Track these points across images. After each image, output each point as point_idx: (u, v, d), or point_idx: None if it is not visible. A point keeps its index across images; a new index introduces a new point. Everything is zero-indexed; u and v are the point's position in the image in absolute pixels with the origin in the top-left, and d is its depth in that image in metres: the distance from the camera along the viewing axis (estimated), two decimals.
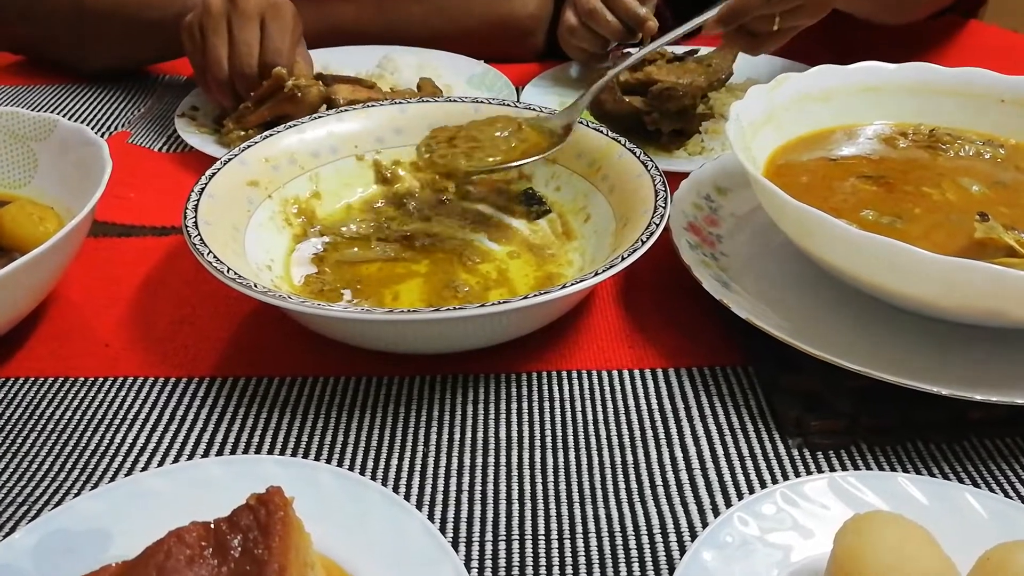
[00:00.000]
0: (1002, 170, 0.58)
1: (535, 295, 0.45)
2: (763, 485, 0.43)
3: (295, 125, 0.64)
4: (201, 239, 0.50)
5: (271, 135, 0.62)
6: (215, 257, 0.48)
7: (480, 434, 0.46)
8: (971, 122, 0.62)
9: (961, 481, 0.43)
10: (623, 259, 0.48)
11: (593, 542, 0.40)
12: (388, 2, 0.97)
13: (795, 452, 0.45)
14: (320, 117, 0.65)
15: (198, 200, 0.54)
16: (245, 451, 0.46)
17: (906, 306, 0.48)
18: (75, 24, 0.86)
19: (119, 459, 0.45)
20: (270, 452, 0.45)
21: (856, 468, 0.44)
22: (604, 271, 0.47)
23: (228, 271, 0.47)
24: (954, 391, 0.43)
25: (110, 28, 0.85)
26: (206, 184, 0.56)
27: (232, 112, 0.75)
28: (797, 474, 0.44)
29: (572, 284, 0.46)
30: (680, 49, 0.87)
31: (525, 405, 0.48)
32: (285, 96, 0.72)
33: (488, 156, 0.61)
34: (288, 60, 0.73)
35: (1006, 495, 0.42)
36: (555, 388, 0.50)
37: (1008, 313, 0.44)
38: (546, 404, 0.48)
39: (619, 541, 0.40)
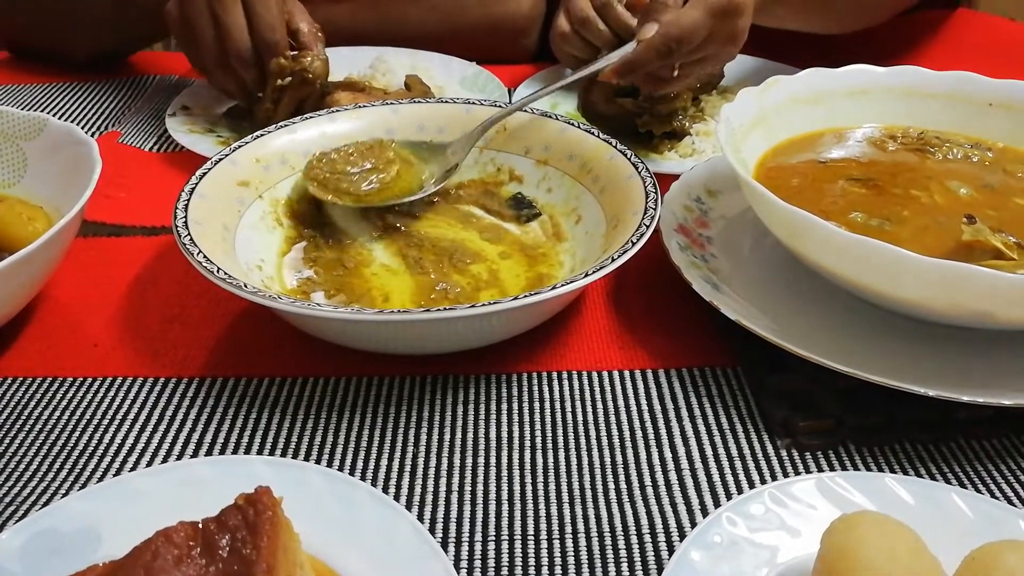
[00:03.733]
0: (990, 173, 0.58)
1: (525, 296, 0.46)
2: (751, 485, 0.43)
3: (286, 125, 0.64)
4: (191, 239, 0.50)
5: (262, 135, 0.62)
6: (205, 257, 0.48)
7: (470, 434, 0.46)
8: (960, 125, 0.63)
9: (948, 481, 0.43)
10: (613, 260, 0.48)
11: (582, 542, 0.40)
12: (383, 2, 0.97)
13: (783, 452, 0.45)
14: (312, 118, 0.65)
15: (188, 200, 0.54)
16: (234, 451, 0.45)
17: (894, 308, 0.48)
18: (62, 10, 0.86)
19: (107, 459, 0.45)
20: (259, 452, 0.45)
21: (843, 468, 0.44)
22: (594, 272, 0.47)
23: (218, 271, 0.47)
24: (941, 392, 0.43)
25: (97, 11, 0.84)
26: (196, 184, 0.56)
27: (243, 100, 0.75)
28: (785, 474, 0.44)
29: (562, 285, 0.46)
30: None
31: (515, 406, 0.48)
32: (295, 83, 0.71)
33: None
34: (281, 33, 0.71)
35: (992, 495, 0.43)
36: (545, 389, 0.50)
37: (995, 315, 0.44)
38: (536, 405, 0.48)
39: (608, 541, 0.40)
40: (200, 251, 0.49)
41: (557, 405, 0.48)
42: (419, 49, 0.92)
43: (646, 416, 0.48)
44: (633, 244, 0.50)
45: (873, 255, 0.43)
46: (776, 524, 0.38)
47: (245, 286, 0.46)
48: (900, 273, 0.43)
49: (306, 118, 0.65)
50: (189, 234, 0.50)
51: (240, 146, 0.61)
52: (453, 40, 0.94)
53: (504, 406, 0.48)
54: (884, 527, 0.34)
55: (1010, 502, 0.42)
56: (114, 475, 0.44)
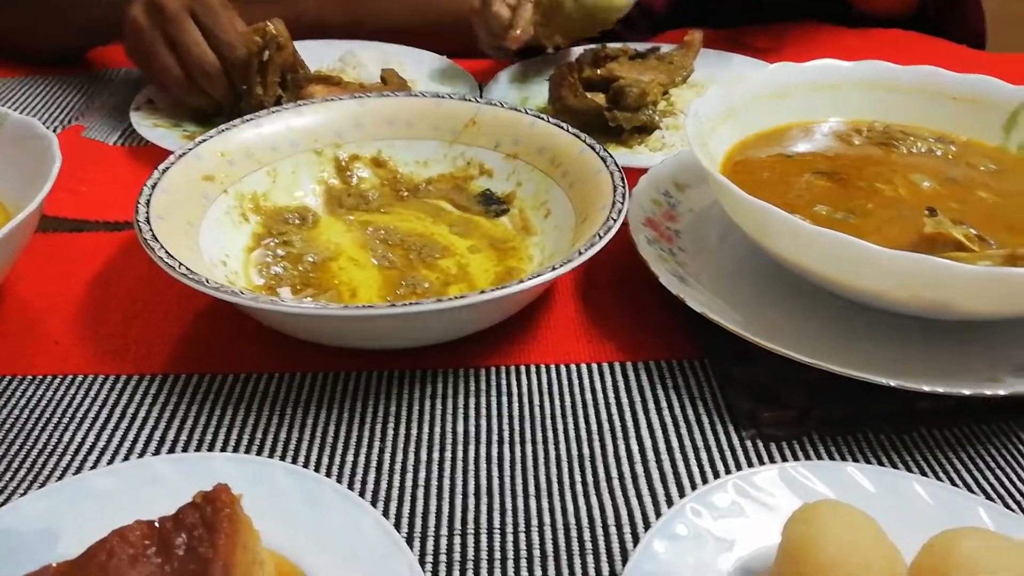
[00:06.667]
0: (953, 166, 0.59)
1: (491, 290, 0.45)
2: (717, 476, 0.43)
3: (252, 119, 0.63)
4: (152, 234, 0.49)
5: (226, 129, 0.61)
6: (166, 252, 0.47)
7: (437, 429, 0.46)
8: (924, 119, 0.63)
9: (910, 470, 0.44)
10: (580, 254, 0.48)
11: (548, 534, 0.40)
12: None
13: (748, 444, 0.45)
14: (278, 111, 0.65)
15: (150, 195, 0.53)
16: (197, 449, 0.45)
17: (858, 299, 0.48)
18: (25, 5, 0.84)
19: (67, 458, 0.44)
20: (223, 450, 0.45)
21: (808, 459, 0.45)
22: (561, 266, 0.47)
23: (180, 266, 0.46)
24: (903, 382, 0.44)
25: (64, 8, 0.83)
26: (159, 178, 0.55)
27: (221, 106, 0.74)
28: (750, 465, 0.44)
29: (528, 279, 0.46)
30: (643, 46, 0.87)
31: (483, 400, 0.48)
32: (272, 53, 0.72)
33: None
34: (239, 41, 0.72)
35: (952, 483, 0.43)
36: (513, 383, 0.49)
37: (955, 306, 0.44)
38: (504, 399, 0.48)
39: (574, 533, 0.40)
40: (161, 246, 0.48)
41: (525, 399, 0.48)
42: (390, 43, 0.91)
43: (613, 409, 0.48)
44: (600, 238, 0.50)
45: (835, 247, 0.44)
46: (739, 514, 0.38)
47: (207, 282, 0.45)
48: (861, 265, 0.44)
49: (272, 112, 0.64)
50: (151, 229, 0.49)
51: (204, 140, 0.60)
52: (424, 34, 0.93)
53: (472, 400, 0.48)
54: (844, 516, 0.34)
55: (970, 490, 0.43)
56: (74, 474, 0.43)
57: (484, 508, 0.41)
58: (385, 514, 0.41)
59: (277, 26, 0.73)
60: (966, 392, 0.44)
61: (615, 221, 0.51)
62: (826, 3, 0.98)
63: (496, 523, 0.41)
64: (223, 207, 0.58)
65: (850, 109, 0.64)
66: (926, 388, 0.44)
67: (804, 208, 0.53)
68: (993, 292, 0.43)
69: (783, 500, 0.38)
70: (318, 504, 0.39)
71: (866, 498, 0.38)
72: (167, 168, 0.56)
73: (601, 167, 0.58)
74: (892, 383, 0.44)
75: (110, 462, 0.44)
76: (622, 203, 0.53)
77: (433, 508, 0.41)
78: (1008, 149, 0.60)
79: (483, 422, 0.47)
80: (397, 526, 0.40)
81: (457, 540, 0.40)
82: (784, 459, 0.45)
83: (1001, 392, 0.44)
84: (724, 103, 0.60)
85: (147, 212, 0.51)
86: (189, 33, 0.70)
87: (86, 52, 0.93)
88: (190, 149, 0.59)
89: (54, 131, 0.73)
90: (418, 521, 0.41)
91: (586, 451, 0.45)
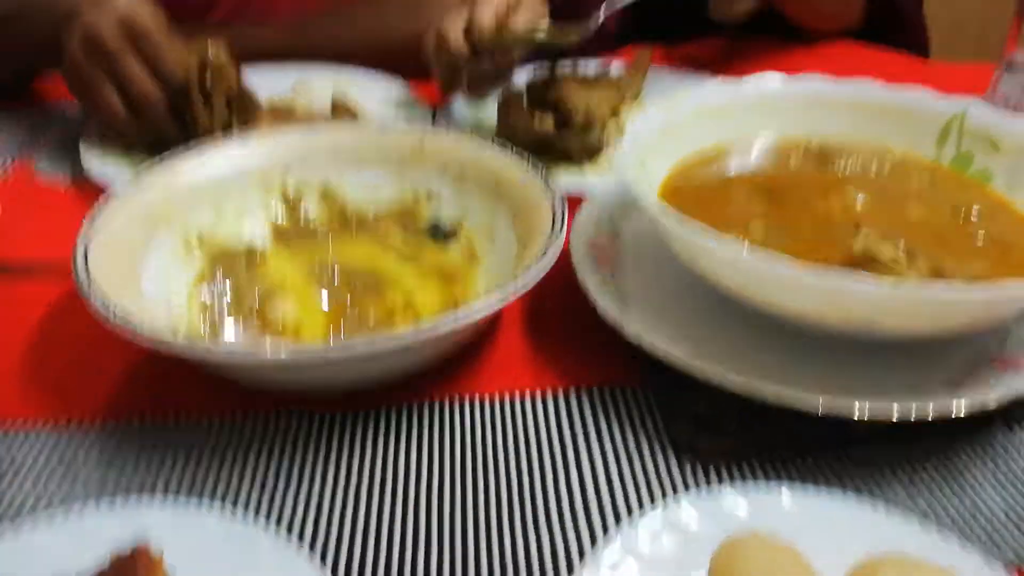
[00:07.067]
0: (887, 181, 0.60)
1: (421, 329, 0.45)
2: (655, 504, 0.44)
3: (195, 152, 0.63)
4: (88, 277, 0.49)
5: (169, 163, 0.61)
6: (101, 300, 0.47)
7: (379, 469, 0.46)
8: (861, 134, 0.64)
9: (847, 492, 0.44)
10: (514, 286, 0.48)
11: (485, 573, 0.40)
12: (308, 26, 0.96)
13: (688, 471, 0.46)
14: (222, 144, 0.64)
15: (89, 234, 0.53)
16: (138, 496, 0.45)
17: (791, 320, 0.48)
18: None
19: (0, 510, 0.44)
20: (163, 496, 0.44)
21: (745, 482, 0.45)
22: (496, 298, 0.47)
23: (114, 314, 0.46)
24: (831, 408, 0.44)
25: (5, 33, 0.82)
26: (98, 216, 0.55)
27: (172, 136, 0.73)
28: (688, 491, 0.44)
29: (461, 316, 0.46)
30: (593, 67, 0.88)
31: (426, 435, 0.48)
32: (216, 78, 0.71)
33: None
34: (182, 66, 0.71)
35: (889, 504, 0.43)
36: (456, 417, 0.50)
37: (882, 324, 0.45)
38: (447, 434, 0.48)
39: (510, 572, 0.40)
40: (96, 291, 0.47)
41: (468, 434, 0.48)
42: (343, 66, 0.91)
43: (555, 439, 0.48)
44: (534, 267, 0.50)
45: (757, 268, 0.44)
46: (669, 544, 0.38)
47: (143, 329, 0.45)
48: (785, 285, 0.44)
49: (216, 145, 0.64)
50: (87, 271, 0.49)
51: (148, 174, 0.60)
52: (383, 59, 0.93)
53: (414, 436, 0.48)
54: (768, 551, 0.35)
55: (907, 509, 0.43)
56: (8, 524, 0.43)
57: (421, 552, 0.41)
58: (323, 558, 0.41)
59: (216, 49, 0.72)
60: (894, 417, 0.44)
61: (550, 251, 0.51)
62: (779, 21, 0.99)
63: (433, 567, 0.41)
64: (167, 244, 0.58)
65: (788, 125, 0.64)
66: (855, 415, 0.44)
67: (739, 228, 0.54)
68: (914, 308, 0.43)
69: (711, 528, 0.39)
70: (252, 554, 0.39)
71: (794, 524, 0.39)
72: (108, 204, 0.56)
73: (543, 192, 0.58)
74: (819, 410, 0.44)
75: (46, 511, 0.44)
76: (560, 230, 0.53)
77: (371, 553, 0.41)
78: (941, 163, 0.61)
79: (424, 459, 0.47)
80: (335, 571, 0.40)
81: None
82: (721, 482, 0.45)
83: (930, 409, 0.44)
84: (663, 122, 0.60)
85: (85, 253, 0.51)
86: (130, 67, 0.69)
87: (27, 85, 0.92)
88: (131, 185, 0.58)
89: (4, 166, 0.73)
90: (355, 566, 0.41)
91: (526, 484, 0.45)
